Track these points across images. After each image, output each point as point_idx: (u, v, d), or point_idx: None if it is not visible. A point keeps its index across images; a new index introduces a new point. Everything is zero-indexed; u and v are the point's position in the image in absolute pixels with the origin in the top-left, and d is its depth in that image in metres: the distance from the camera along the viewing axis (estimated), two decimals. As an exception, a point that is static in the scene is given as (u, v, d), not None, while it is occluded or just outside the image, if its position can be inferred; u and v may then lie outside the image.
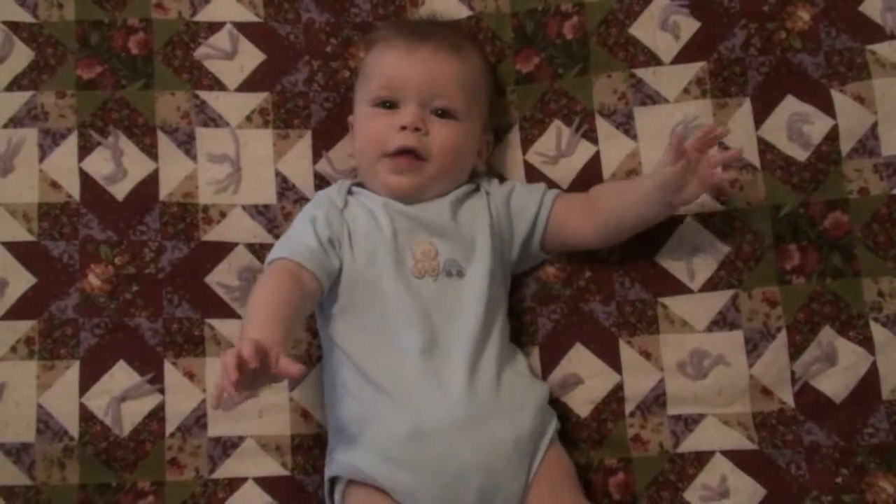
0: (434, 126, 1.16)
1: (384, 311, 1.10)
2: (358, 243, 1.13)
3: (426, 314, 1.10)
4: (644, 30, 1.27)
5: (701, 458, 1.17)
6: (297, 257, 1.09)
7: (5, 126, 1.24)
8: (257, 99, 1.27)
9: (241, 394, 0.92)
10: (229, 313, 1.21)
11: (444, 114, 1.16)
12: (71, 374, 1.18)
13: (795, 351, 1.18)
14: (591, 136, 1.26)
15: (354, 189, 1.19)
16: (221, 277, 1.22)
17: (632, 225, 1.17)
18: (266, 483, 1.17)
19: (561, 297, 1.22)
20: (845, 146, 1.22)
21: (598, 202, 1.18)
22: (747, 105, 1.24)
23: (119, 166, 1.24)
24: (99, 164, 1.24)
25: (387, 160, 1.15)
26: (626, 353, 1.20)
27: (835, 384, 1.17)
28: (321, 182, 1.25)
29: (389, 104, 1.16)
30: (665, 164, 1.10)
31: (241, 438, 1.18)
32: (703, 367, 1.18)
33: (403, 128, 1.14)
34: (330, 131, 1.27)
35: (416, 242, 1.14)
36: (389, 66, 1.18)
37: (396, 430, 1.06)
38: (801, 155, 1.22)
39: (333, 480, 1.11)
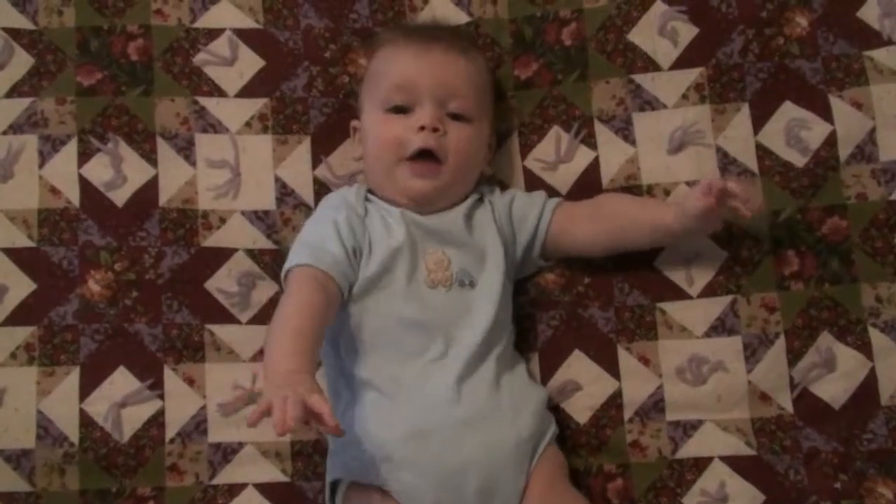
0: (450, 128, 1.15)
1: (394, 319, 1.10)
2: (375, 252, 1.13)
3: (439, 323, 1.10)
4: (642, 36, 1.27)
5: (699, 464, 1.17)
6: (323, 266, 1.09)
7: (5, 132, 1.24)
8: (256, 105, 1.27)
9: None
10: (229, 319, 1.21)
11: (458, 116, 1.16)
12: (71, 380, 1.18)
13: (794, 357, 1.18)
14: (590, 141, 1.26)
15: (370, 196, 1.19)
16: (221, 283, 1.22)
17: (634, 245, 1.18)
18: (266, 489, 1.17)
19: (560, 304, 1.22)
20: (843, 152, 1.22)
21: (606, 213, 1.19)
22: (745, 111, 1.24)
23: (119, 172, 1.24)
24: (98, 171, 1.24)
25: (406, 164, 1.15)
26: (625, 359, 1.20)
27: (833, 390, 1.17)
28: (320, 187, 1.25)
29: (402, 108, 1.16)
30: (687, 215, 1.11)
31: (241, 444, 1.18)
32: (702, 373, 1.19)
33: (422, 128, 1.14)
34: (329, 137, 1.27)
35: (429, 252, 1.14)
36: (402, 67, 1.17)
37: (396, 431, 1.06)
38: (799, 160, 1.23)
39: (335, 483, 1.12)
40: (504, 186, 1.26)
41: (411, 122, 1.15)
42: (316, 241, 1.12)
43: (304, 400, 0.92)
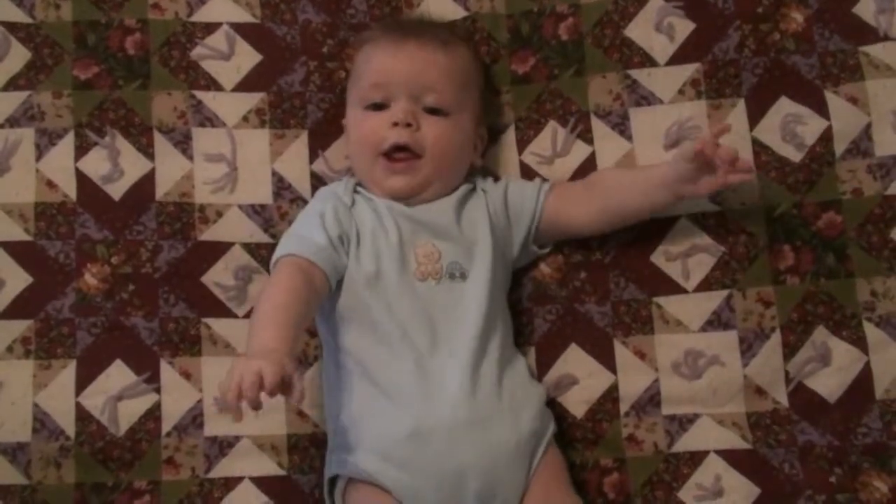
0: (425, 122, 1.16)
1: (387, 312, 1.10)
2: (364, 243, 1.13)
3: (428, 316, 1.10)
4: (639, 31, 1.27)
5: (695, 458, 1.17)
6: (308, 254, 1.09)
7: (2, 126, 1.24)
8: (254, 99, 1.27)
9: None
10: (225, 312, 1.21)
11: (434, 110, 1.16)
12: (67, 373, 1.18)
13: (789, 351, 1.18)
14: (586, 136, 1.26)
15: (359, 188, 1.19)
16: (218, 277, 1.22)
17: (632, 212, 1.17)
18: (262, 482, 1.17)
19: (556, 298, 1.22)
20: (839, 147, 1.22)
21: (599, 187, 1.19)
22: (741, 106, 1.25)
23: (115, 166, 1.24)
24: (95, 164, 1.24)
25: (383, 161, 1.16)
26: (621, 353, 1.20)
27: (829, 384, 1.18)
28: (317, 182, 1.26)
29: (380, 105, 1.17)
30: (682, 158, 1.10)
31: (238, 438, 1.18)
32: (698, 367, 1.19)
33: (395, 124, 1.15)
34: (326, 131, 1.27)
35: (418, 245, 1.14)
36: (378, 64, 1.18)
37: (397, 430, 1.06)
38: (794, 156, 1.23)
39: (333, 479, 1.12)
40: (499, 179, 1.26)
41: (386, 119, 1.15)
42: (300, 232, 1.14)
43: (285, 373, 0.93)
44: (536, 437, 1.11)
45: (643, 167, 1.22)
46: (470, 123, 1.20)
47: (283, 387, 0.94)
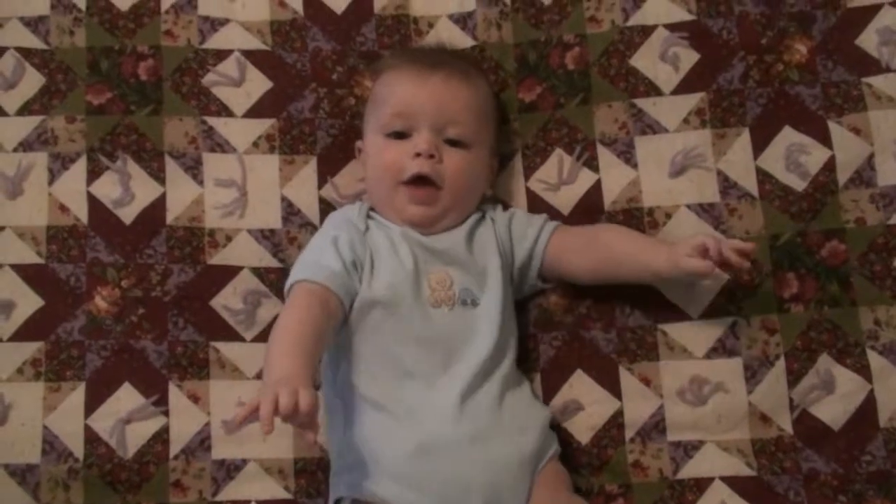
0: (447, 154, 1.17)
1: (400, 337, 1.11)
2: (378, 270, 1.14)
3: (442, 342, 1.11)
4: (644, 61, 1.29)
5: (700, 485, 1.17)
6: (323, 280, 1.10)
7: (15, 150, 1.25)
8: (264, 125, 1.29)
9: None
10: (234, 336, 1.22)
11: (455, 143, 1.18)
12: (76, 395, 1.19)
13: (794, 378, 1.19)
14: (592, 164, 1.28)
15: (372, 213, 1.20)
16: (227, 301, 1.23)
17: (624, 280, 1.19)
18: (268, 506, 1.18)
19: (562, 324, 1.23)
20: (842, 176, 1.24)
21: (600, 247, 1.19)
22: (746, 135, 1.26)
23: (127, 190, 1.25)
24: (107, 188, 1.25)
25: (404, 189, 1.17)
26: (627, 379, 1.21)
27: (833, 412, 1.18)
28: (326, 207, 1.27)
29: (401, 134, 1.18)
30: (688, 254, 1.11)
31: (245, 461, 1.19)
32: (703, 394, 1.19)
33: (418, 154, 1.16)
34: (335, 157, 1.29)
35: (432, 272, 1.15)
36: (402, 94, 1.19)
37: (401, 449, 1.07)
38: (798, 185, 1.24)
39: (338, 502, 1.12)
40: (507, 207, 1.27)
41: (408, 148, 1.17)
42: (315, 258, 1.15)
43: (297, 391, 0.94)
44: (538, 455, 1.11)
45: (647, 244, 1.19)
46: (486, 155, 1.22)
47: (296, 415, 0.94)
